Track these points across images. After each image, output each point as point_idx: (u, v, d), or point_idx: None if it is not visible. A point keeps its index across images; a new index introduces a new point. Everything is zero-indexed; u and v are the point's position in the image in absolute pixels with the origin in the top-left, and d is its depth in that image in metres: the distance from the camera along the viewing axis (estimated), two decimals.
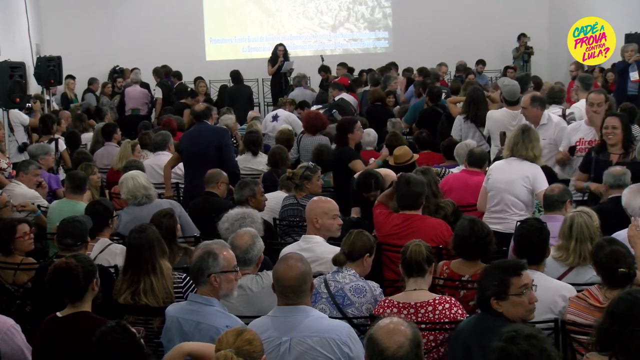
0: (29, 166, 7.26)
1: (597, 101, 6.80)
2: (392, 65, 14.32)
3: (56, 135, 9.62)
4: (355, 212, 6.50)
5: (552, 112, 8.13)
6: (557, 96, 8.56)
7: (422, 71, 12.67)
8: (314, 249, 4.92)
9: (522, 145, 5.83)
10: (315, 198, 5.37)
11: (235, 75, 14.08)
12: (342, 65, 14.33)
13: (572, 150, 6.87)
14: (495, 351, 2.82)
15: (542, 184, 5.79)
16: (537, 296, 4.05)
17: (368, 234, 4.59)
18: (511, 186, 5.85)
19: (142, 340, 3.32)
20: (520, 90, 8.22)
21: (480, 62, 15.63)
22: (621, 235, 4.67)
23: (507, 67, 14.75)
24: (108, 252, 5.27)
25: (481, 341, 2.87)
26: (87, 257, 4.10)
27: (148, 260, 4.43)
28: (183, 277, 4.49)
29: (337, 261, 4.37)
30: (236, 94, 13.57)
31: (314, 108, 10.77)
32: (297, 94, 12.77)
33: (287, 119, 10.27)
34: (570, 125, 7.09)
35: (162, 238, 4.65)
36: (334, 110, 10.22)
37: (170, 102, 13.58)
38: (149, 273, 4.41)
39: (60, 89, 14.14)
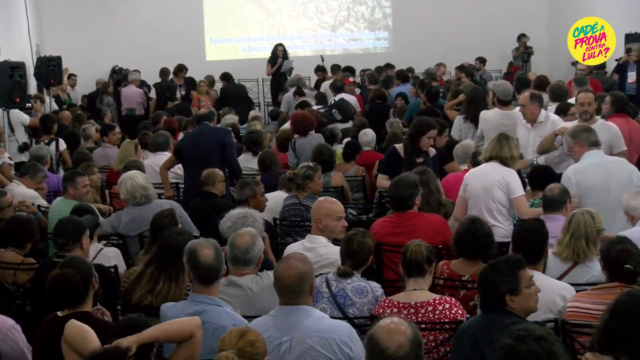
0: (37, 173, 7.25)
1: (586, 100, 6.77)
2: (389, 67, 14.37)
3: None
4: (382, 180, 6.64)
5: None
6: (562, 95, 8.51)
7: (400, 74, 12.66)
8: (317, 249, 4.94)
9: (498, 144, 5.78)
10: (321, 198, 5.38)
11: (226, 76, 14.07)
12: (336, 67, 14.30)
13: None
14: (504, 348, 2.82)
15: (517, 190, 5.67)
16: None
17: (367, 233, 4.58)
18: (489, 192, 5.73)
19: None
20: (512, 89, 8.26)
21: (479, 59, 15.49)
22: (627, 234, 4.67)
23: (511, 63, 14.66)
24: (101, 257, 5.24)
25: (496, 340, 2.89)
26: (82, 260, 4.07)
27: (175, 267, 4.39)
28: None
29: (345, 274, 4.35)
30: (231, 93, 13.54)
31: (314, 109, 10.77)
32: (293, 94, 12.78)
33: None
34: (570, 125, 7.00)
35: None
36: (334, 110, 10.23)
37: (164, 103, 13.63)
38: (171, 279, 4.38)
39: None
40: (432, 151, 6.75)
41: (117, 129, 10.00)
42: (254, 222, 4.86)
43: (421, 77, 12.95)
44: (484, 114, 7.98)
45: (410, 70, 14.51)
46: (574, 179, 5.72)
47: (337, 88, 11.66)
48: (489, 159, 5.81)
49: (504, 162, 5.75)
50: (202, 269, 3.80)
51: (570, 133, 6.10)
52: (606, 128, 6.68)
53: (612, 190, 5.61)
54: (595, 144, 5.90)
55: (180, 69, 14.56)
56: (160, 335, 3.33)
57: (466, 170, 6.76)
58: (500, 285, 3.59)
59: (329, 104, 10.89)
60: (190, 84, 14.45)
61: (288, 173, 6.80)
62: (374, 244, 4.55)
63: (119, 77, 15.41)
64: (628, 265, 4.02)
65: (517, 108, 7.42)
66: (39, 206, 6.80)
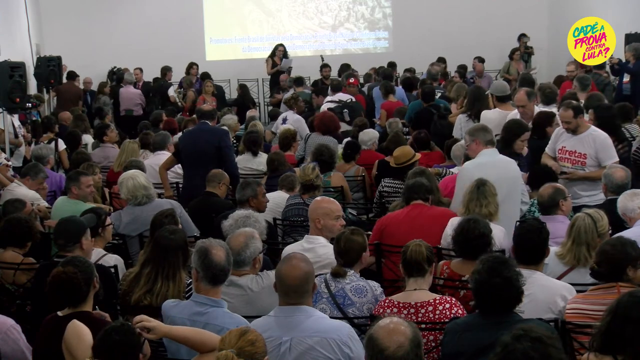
0: (39, 173, 7.25)
1: (564, 119, 6.47)
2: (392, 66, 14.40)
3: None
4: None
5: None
6: (552, 97, 8.48)
7: (385, 72, 12.69)
8: (316, 249, 4.93)
9: (477, 202, 5.34)
10: (318, 198, 5.39)
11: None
12: (346, 66, 14.30)
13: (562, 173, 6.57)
14: (500, 345, 2.83)
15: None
16: (536, 296, 4.15)
17: (359, 231, 4.54)
18: None
19: (145, 343, 3.32)
20: (507, 86, 8.27)
21: (478, 59, 15.44)
22: (627, 234, 4.66)
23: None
24: (103, 264, 5.22)
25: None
26: (83, 259, 4.06)
27: (171, 266, 4.40)
28: (189, 282, 4.49)
29: (337, 274, 4.34)
30: (153, 90, 13.65)
31: (325, 102, 10.78)
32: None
33: (294, 123, 10.26)
34: (555, 130, 6.78)
35: None
36: (345, 110, 10.24)
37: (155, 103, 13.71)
38: (169, 278, 4.39)
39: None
40: (525, 150, 6.62)
41: (113, 127, 10.03)
42: (255, 222, 4.87)
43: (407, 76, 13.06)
44: (485, 114, 7.99)
45: (410, 70, 14.54)
46: (476, 172, 5.63)
47: (334, 87, 11.64)
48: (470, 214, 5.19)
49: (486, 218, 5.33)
50: (215, 270, 3.79)
51: (468, 131, 6.12)
52: (592, 139, 6.40)
53: (503, 187, 5.58)
54: (491, 143, 5.95)
55: (191, 66, 14.70)
56: (190, 336, 3.36)
57: None
58: (519, 286, 3.61)
59: (341, 102, 10.85)
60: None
61: (301, 175, 6.63)
62: (364, 241, 4.49)
63: (120, 75, 15.47)
64: (593, 265, 4.12)
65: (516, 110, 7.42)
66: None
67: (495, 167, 5.77)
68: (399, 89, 11.62)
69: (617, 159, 6.37)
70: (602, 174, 5.95)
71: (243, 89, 14.31)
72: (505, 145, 6.51)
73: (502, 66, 16.12)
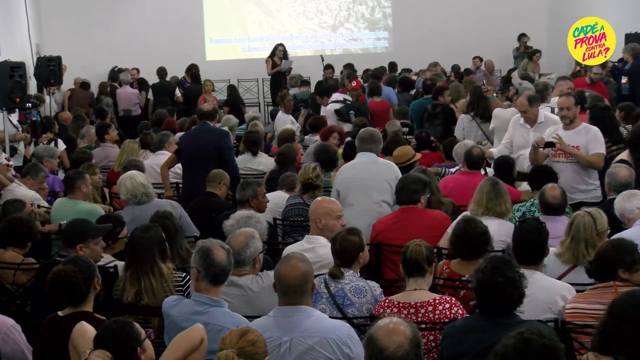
0: (39, 173, 7.26)
1: (564, 105, 6.61)
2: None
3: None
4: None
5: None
6: (542, 95, 8.48)
7: (374, 73, 12.68)
8: (317, 249, 4.93)
9: (496, 201, 5.30)
10: (319, 198, 5.39)
11: (159, 72, 14.50)
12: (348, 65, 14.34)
13: (548, 144, 6.66)
14: (515, 338, 2.85)
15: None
16: (537, 296, 4.12)
17: (355, 231, 4.53)
18: None
19: (147, 340, 3.31)
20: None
21: (479, 58, 15.50)
22: (626, 234, 4.67)
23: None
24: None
25: None
26: (85, 259, 4.05)
27: (147, 262, 4.44)
28: (183, 276, 4.51)
29: (334, 275, 4.34)
30: (160, 91, 13.75)
31: (330, 102, 10.78)
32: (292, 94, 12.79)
33: (276, 122, 10.28)
34: (548, 129, 6.87)
35: (169, 238, 4.69)
36: (352, 112, 10.23)
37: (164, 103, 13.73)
38: (148, 274, 4.42)
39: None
40: None
41: (113, 126, 10.05)
42: (257, 223, 4.88)
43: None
44: (499, 112, 8.01)
45: (407, 70, 14.54)
46: (343, 172, 6.00)
47: (330, 87, 11.60)
48: (491, 213, 5.30)
49: (500, 215, 5.37)
50: (216, 269, 3.81)
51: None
52: (585, 130, 6.58)
53: (361, 183, 5.96)
54: (367, 149, 6.17)
55: (191, 68, 14.73)
56: (180, 356, 3.36)
57: (463, 172, 6.78)
58: (520, 287, 3.61)
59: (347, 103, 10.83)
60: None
61: (301, 175, 6.63)
62: (361, 241, 4.48)
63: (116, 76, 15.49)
64: (587, 264, 4.18)
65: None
66: (38, 206, 6.80)
67: (356, 166, 6.16)
68: (388, 89, 11.60)
69: (603, 152, 6.56)
70: (589, 160, 6.38)
71: (232, 89, 14.33)
72: (635, 150, 6.41)
73: (502, 66, 16.16)
